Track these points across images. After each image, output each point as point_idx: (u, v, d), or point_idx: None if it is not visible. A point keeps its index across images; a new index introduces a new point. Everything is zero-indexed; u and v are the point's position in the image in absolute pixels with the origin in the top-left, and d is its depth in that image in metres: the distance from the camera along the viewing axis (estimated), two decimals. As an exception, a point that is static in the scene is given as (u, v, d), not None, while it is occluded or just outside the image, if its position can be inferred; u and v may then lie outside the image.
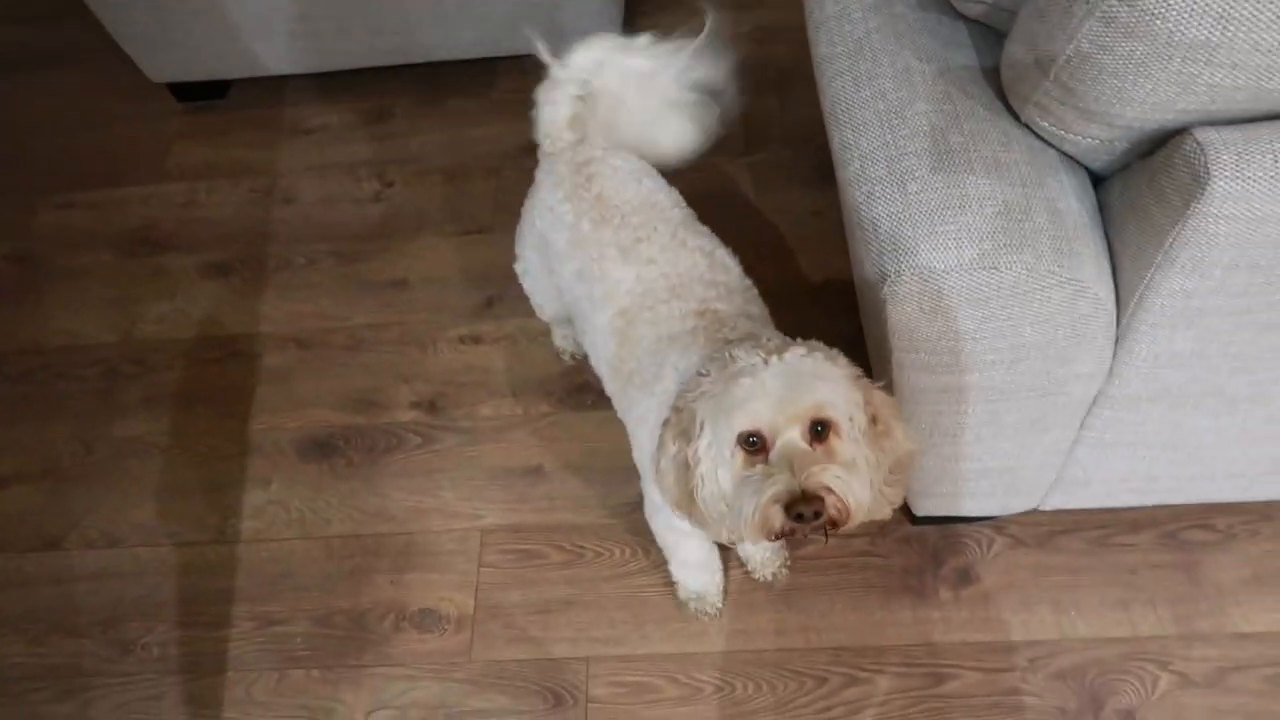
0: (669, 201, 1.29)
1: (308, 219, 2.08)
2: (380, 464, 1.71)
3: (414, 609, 1.55)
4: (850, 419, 0.96)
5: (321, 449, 1.74)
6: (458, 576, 1.57)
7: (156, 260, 2.06)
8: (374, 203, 2.09)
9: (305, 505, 1.68)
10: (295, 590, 1.59)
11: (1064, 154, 1.05)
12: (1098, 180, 1.09)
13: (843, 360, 1.01)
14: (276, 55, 2.11)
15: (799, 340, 1.01)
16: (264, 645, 1.54)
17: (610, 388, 1.27)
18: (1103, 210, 1.06)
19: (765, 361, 0.95)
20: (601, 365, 1.27)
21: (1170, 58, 0.83)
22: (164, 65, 2.17)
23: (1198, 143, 0.87)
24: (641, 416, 1.17)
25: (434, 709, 1.45)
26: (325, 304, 1.94)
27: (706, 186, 1.94)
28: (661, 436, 1.03)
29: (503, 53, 2.12)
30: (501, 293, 1.87)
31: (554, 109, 1.33)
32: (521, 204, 1.44)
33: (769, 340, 1.02)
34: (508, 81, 2.24)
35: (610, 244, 1.22)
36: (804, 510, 0.88)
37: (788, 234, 1.89)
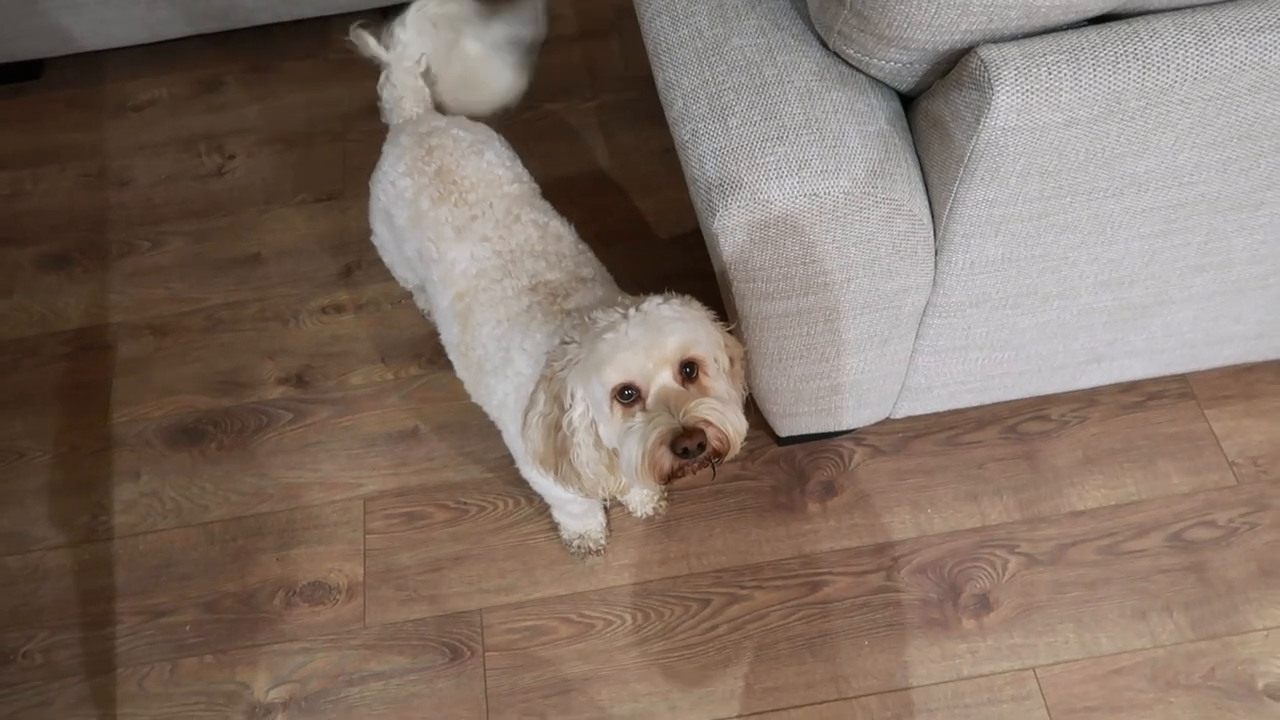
0: (509, 176, 1.29)
1: (148, 200, 1.99)
2: (253, 444, 1.68)
3: (303, 583, 1.54)
4: (715, 359, 1.01)
5: (190, 435, 1.70)
6: (345, 546, 1.57)
7: (-13, 257, 1.95)
8: (216, 177, 2.01)
9: (179, 494, 1.64)
10: (179, 579, 1.57)
11: (873, 78, 1.09)
12: (907, 101, 1.14)
13: (697, 304, 1.05)
14: (89, 29, 1.99)
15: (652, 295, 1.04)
16: (152, 638, 1.52)
17: (462, 375, 1.29)
18: (912, 130, 1.11)
19: (625, 315, 0.99)
20: (451, 352, 1.29)
21: (947, -18, 0.87)
22: (-36, 48, 2.02)
23: (981, 60, 0.92)
24: (502, 402, 1.19)
25: (333, 677, 1.46)
26: (177, 287, 1.88)
27: (555, 135, 1.95)
28: (533, 395, 1.05)
29: (334, 10, 2.04)
30: (360, 259, 1.84)
31: (394, 90, 1.40)
32: (370, 165, 1.41)
33: (623, 298, 1.05)
34: (343, 40, 2.15)
35: (446, 223, 1.23)
36: (688, 445, 0.93)
37: (639, 174, 1.90)
